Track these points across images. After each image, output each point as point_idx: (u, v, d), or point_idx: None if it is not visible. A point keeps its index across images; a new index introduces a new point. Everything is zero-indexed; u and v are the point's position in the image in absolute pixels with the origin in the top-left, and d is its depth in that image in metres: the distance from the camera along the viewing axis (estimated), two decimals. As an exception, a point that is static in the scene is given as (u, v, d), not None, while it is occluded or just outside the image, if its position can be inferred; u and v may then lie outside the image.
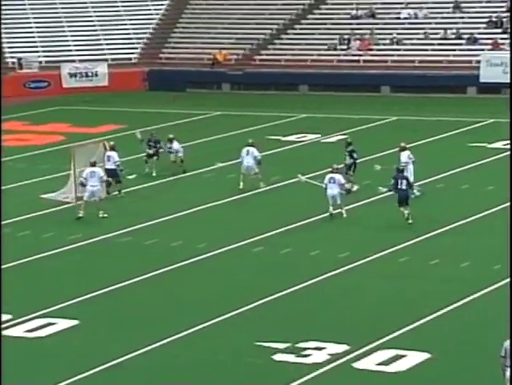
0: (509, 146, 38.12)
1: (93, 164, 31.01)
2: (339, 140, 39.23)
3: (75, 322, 22.41)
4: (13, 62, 55.13)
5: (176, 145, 35.35)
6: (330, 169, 30.07)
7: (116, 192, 32.95)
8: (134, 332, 21.81)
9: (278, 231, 28.69)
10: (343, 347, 20.53)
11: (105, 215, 30.21)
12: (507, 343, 17.38)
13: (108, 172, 32.47)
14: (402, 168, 30.12)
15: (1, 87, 48.01)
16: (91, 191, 30.27)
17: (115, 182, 32.91)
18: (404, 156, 31.43)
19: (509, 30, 51.43)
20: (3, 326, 22.23)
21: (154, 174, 34.98)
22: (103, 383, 19.41)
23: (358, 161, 32.64)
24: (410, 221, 28.52)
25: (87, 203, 30.47)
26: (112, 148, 33.45)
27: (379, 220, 29.60)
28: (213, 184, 34.38)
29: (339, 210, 29.64)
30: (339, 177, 29.92)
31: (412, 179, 30.10)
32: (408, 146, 32.31)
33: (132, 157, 36.47)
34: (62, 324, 22.32)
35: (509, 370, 17.35)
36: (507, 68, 48.87)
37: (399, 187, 28.93)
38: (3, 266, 26.03)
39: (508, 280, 23.71)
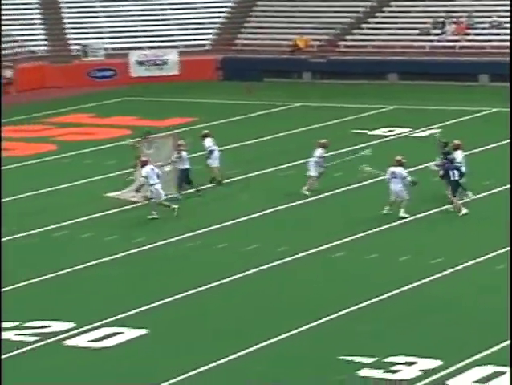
0: None
1: (145, 163, 30.94)
2: (430, 135, 39.02)
3: (142, 332, 22.60)
4: (77, 50, 55.63)
5: (208, 142, 34.58)
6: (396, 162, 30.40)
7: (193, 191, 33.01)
8: (207, 342, 21.90)
9: (360, 235, 28.65)
10: (436, 363, 20.43)
11: (155, 216, 30.40)
12: None
13: (181, 172, 32.61)
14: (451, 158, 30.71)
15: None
16: (154, 190, 30.39)
17: (185, 184, 32.93)
18: (458, 154, 31.09)
19: None
20: (65, 335, 22.51)
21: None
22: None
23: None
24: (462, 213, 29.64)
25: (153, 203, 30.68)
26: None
27: (467, 223, 29.47)
28: (289, 182, 34.35)
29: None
30: (400, 170, 30.00)
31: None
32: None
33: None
34: (129, 333, 22.53)
35: None
36: None
37: (451, 178, 29.89)
38: (64, 271, 26.36)
39: None
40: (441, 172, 30.55)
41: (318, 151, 32.59)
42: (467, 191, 30.96)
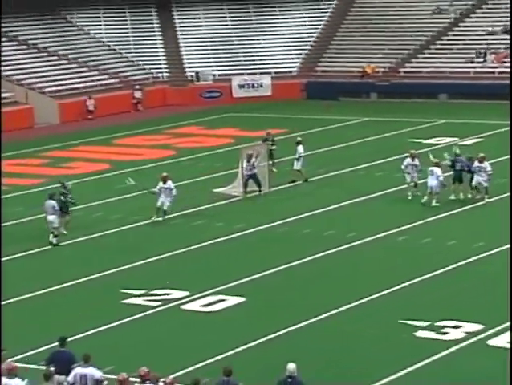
0: None
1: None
2: (474, 143, 38.52)
3: (242, 299, 22.64)
4: (191, 76, 55.99)
5: (300, 149, 33.98)
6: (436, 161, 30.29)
7: (257, 192, 32.55)
8: (293, 309, 21.89)
9: (418, 222, 28.41)
10: (479, 326, 20.18)
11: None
12: None
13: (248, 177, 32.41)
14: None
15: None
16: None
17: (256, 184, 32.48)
18: (486, 164, 30.18)
19: None
20: (181, 301, 22.62)
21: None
22: (264, 354, 19.53)
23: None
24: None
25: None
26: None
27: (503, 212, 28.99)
28: (363, 180, 34.12)
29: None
30: (436, 170, 29.90)
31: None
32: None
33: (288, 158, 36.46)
34: (232, 300, 22.58)
35: None
36: None
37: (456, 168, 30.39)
38: (179, 251, 26.51)
39: None
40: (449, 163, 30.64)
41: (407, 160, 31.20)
42: (485, 194, 30.19)
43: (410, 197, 30.79)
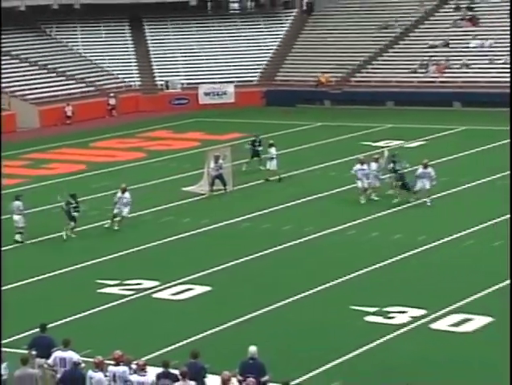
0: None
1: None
2: (418, 146, 38.76)
3: (208, 288, 22.63)
4: (161, 84, 55.82)
5: (273, 150, 33.90)
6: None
7: (223, 191, 32.41)
8: (254, 297, 21.89)
9: (367, 218, 28.51)
10: (422, 311, 20.33)
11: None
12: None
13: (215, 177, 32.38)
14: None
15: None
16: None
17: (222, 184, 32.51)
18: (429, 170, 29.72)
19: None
20: (152, 290, 22.56)
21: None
22: (228, 338, 19.56)
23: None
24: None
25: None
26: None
27: (448, 209, 29.20)
28: (319, 180, 34.20)
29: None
30: (372, 165, 29.88)
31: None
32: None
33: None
34: (199, 289, 22.56)
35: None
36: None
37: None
38: (157, 242, 26.43)
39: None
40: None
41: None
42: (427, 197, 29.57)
43: (363, 201, 30.05)
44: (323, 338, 19.20)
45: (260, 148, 35.74)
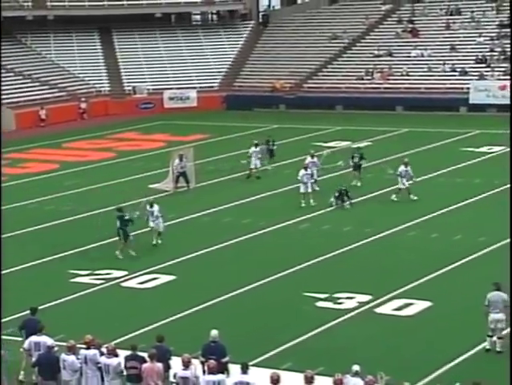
0: (493, 150, 37.73)
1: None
2: (365, 146, 38.99)
3: (173, 277, 22.56)
4: (129, 89, 55.51)
5: (253, 149, 33.67)
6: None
7: (186, 188, 32.28)
8: (216, 285, 21.88)
9: (318, 212, 28.56)
10: (368, 297, 20.46)
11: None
12: (489, 295, 17.30)
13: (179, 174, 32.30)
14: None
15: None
16: None
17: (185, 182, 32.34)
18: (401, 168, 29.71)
19: (492, 65, 50.76)
20: (121, 279, 22.43)
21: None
22: (191, 323, 19.53)
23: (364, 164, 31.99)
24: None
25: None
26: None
27: (392, 204, 29.38)
28: (274, 177, 34.20)
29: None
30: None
31: None
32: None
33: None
34: (164, 278, 22.48)
35: (491, 315, 17.28)
36: (490, 93, 48.36)
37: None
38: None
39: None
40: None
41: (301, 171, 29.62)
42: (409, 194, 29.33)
43: (303, 205, 29.10)
44: (278, 323, 19.24)
45: (274, 147, 35.62)
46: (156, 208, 25.55)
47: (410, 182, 29.49)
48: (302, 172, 29.59)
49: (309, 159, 31.12)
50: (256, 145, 34.11)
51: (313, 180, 29.96)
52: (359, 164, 31.78)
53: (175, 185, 32.36)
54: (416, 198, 29.29)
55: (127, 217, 24.47)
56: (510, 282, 19.51)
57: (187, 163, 32.71)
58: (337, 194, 28.89)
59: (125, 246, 24.38)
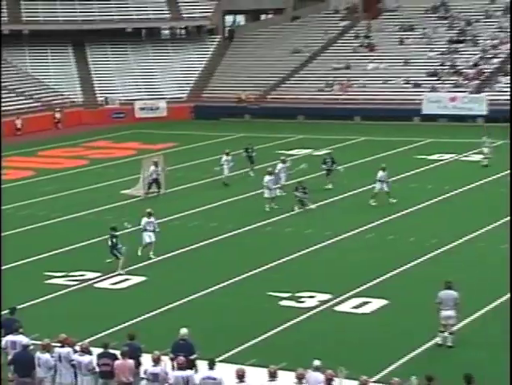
0: (443, 157, 38.10)
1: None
2: (324, 154, 39.14)
3: (144, 278, 22.45)
4: (101, 100, 55.25)
5: (224, 157, 33.42)
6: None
7: (155, 194, 32.11)
8: (184, 286, 21.81)
9: (282, 216, 28.61)
10: (328, 296, 20.52)
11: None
12: (441, 293, 17.45)
13: (153, 180, 32.06)
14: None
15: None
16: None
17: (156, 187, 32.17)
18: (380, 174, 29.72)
19: (443, 78, 51.32)
20: (94, 280, 22.27)
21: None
22: (162, 322, 19.45)
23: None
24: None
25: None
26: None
27: (352, 207, 29.54)
28: (239, 183, 34.15)
29: None
30: (265, 177, 29.09)
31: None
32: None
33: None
34: (136, 279, 22.36)
35: (442, 312, 17.42)
36: (441, 104, 48.86)
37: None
38: (93, 240, 26.06)
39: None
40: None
41: (266, 178, 29.29)
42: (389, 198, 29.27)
43: (268, 209, 28.91)
44: (244, 321, 19.23)
45: (253, 154, 34.87)
46: (153, 219, 24.19)
47: (386, 186, 29.18)
48: (267, 177, 29.50)
49: (280, 165, 31.04)
50: (227, 154, 33.99)
51: (279, 186, 29.89)
52: (331, 168, 32.07)
53: (147, 191, 32.21)
54: (394, 201, 29.20)
55: (116, 237, 22.89)
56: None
57: (159, 169, 32.59)
58: (297, 198, 28.88)
59: (124, 261, 22.78)
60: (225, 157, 33.92)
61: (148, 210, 24.65)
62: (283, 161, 31.27)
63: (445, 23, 56.18)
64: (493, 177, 33.33)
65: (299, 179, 30.46)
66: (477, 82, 50.03)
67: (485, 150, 35.29)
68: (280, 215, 28.63)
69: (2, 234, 26.92)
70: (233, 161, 34.07)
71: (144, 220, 24.33)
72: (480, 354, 16.83)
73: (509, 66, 50.73)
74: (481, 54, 52.29)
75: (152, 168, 32.23)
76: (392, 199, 29.38)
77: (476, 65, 51.40)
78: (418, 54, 54.34)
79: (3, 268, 23.46)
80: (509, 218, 26.37)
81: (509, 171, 33.00)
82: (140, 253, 24.22)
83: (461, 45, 53.68)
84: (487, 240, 24.90)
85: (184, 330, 15.27)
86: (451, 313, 17.27)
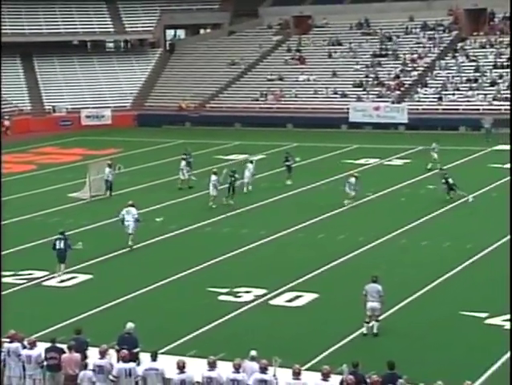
0: (369, 162, 38.59)
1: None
2: (260, 158, 39.27)
3: (90, 276, 22.15)
4: (49, 108, 54.43)
5: (183, 162, 33.05)
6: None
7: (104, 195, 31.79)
8: (130, 282, 21.59)
9: (219, 218, 28.56)
10: (264, 291, 20.57)
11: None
12: (367, 286, 17.65)
13: (107, 182, 31.85)
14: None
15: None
16: None
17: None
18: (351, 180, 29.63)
19: (367, 89, 52.00)
20: (42, 279, 21.87)
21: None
22: (107, 317, 19.21)
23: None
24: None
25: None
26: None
27: (285, 207, 29.63)
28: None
29: None
30: (211, 177, 29.10)
31: None
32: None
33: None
34: (82, 277, 22.05)
35: (368, 303, 17.62)
36: (366, 113, 49.55)
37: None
38: (45, 240, 25.61)
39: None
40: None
41: (213, 177, 29.39)
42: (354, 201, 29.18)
43: (214, 206, 29.14)
44: (185, 315, 19.13)
45: (191, 160, 34.26)
46: (134, 210, 24.20)
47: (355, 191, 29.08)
48: (214, 177, 29.58)
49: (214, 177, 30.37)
50: (183, 159, 33.64)
51: (219, 184, 29.69)
52: (290, 165, 32.75)
53: (110, 193, 31.72)
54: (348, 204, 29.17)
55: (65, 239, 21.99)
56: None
57: (111, 173, 32.13)
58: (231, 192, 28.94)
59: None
60: (183, 163, 33.35)
61: (130, 202, 25.01)
62: (215, 173, 30.64)
63: (369, 38, 56.99)
64: (414, 180, 33.90)
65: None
66: (398, 92, 50.90)
67: (435, 155, 35.96)
68: (218, 216, 28.56)
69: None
70: (189, 166, 33.40)
71: (125, 210, 24.37)
72: (401, 343, 17.08)
73: (427, 78, 51.80)
74: (401, 68, 53.23)
75: (108, 169, 31.84)
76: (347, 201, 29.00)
77: (397, 77, 52.30)
78: (345, 67, 55.02)
79: (-46, 268, 22.83)
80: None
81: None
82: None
83: (383, 58, 54.54)
84: (409, 237, 25.30)
85: (130, 324, 15.11)
86: (376, 304, 17.50)
